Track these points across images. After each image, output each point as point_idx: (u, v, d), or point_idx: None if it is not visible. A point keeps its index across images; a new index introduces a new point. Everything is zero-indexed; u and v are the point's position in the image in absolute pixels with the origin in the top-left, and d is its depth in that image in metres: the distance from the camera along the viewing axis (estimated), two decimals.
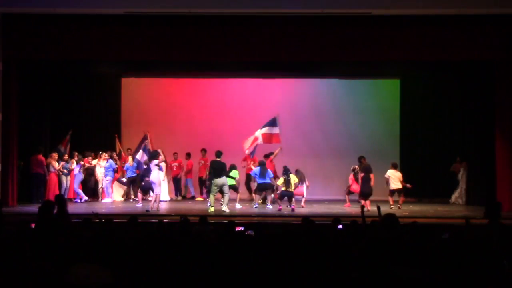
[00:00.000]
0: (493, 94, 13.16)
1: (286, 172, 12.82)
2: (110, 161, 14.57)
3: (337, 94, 16.59)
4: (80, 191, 14.43)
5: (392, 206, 13.08)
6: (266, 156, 14.11)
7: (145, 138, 15.00)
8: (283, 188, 12.74)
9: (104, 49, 12.81)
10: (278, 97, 16.57)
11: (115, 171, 14.66)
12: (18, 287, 3.93)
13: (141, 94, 16.72)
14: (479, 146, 14.07)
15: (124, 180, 15.00)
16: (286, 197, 12.86)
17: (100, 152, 14.83)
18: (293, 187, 12.72)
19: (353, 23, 12.60)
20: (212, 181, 12.40)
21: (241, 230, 7.03)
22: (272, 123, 14.26)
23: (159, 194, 12.68)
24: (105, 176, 14.56)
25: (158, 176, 12.56)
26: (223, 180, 12.40)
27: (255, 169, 13.10)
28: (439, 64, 14.38)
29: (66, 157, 14.47)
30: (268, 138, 14.24)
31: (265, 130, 14.24)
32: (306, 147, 15.56)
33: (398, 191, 13.40)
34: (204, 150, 15.38)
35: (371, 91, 16.67)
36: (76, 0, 12.39)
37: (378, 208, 7.09)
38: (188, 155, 15.65)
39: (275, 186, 13.11)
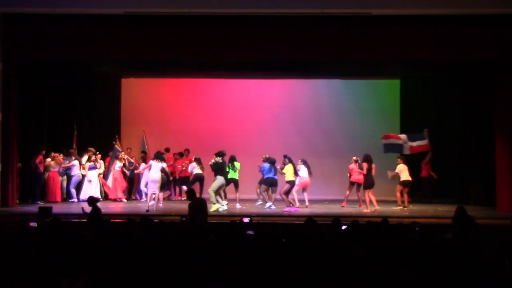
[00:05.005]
0: (493, 94, 13.16)
1: (291, 161, 12.88)
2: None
3: (337, 94, 16.58)
4: (73, 192, 14.45)
5: (401, 206, 13.07)
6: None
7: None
8: (292, 178, 12.76)
9: (104, 49, 12.81)
10: (278, 97, 16.57)
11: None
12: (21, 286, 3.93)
13: (141, 94, 16.72)
14: (479, 146, 14.07)
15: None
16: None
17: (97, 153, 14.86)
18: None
19: (353, 23, 12.60)
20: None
21: (250, 233, 7.04)
22: (422, 137, 14.21)
23: (158, 194, 12.70)
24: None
25: (158, 175, 12.56)
26: (218, 181, 12.49)
27: (265, 165, 13.10)
28: (439, 64, 14.38)
29: (61, 155, 14.43)
30: (417, 149, 14.24)
31: (415, 144, 14.14)
32: (306, 147, 15.54)
33: (407, 184, 13.35)
34: (187, 151, 15.27)
35: (371, 91, 16.66)
36: (76, 0, 12.40)
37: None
38: (181, 155, 15.47)
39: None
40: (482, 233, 6.85)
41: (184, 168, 15.17)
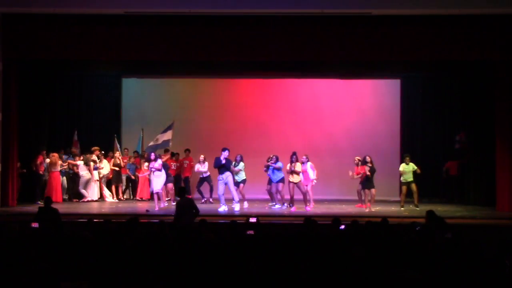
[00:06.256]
0: (493, 94, 13.16)
1: (297, 159, 12.88)
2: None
3: (337, 94, 16.59)
4: (84, 192, 14.40)
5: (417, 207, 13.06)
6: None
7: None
8: (301, 176, 12.79)
9: (104, 49, 12.81)
10: (278, 97, 16.57)
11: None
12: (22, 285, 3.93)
13: (141, 94, 16.72)
14: (479, 146, 14.06)
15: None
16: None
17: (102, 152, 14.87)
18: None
19: (353, 23, 12.59)
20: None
21: (251, 233, 7.05)
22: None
23: (160, 193, 12.71)
24: None
25: (162, 175, 12.60)
26: (231, 177, 12.62)
27: (279, 163, 13.00)
28: (439, 64, 14.37)
29: (62, 154, 14.44)
30: None
31: None
32: (306, 147, 15.51)
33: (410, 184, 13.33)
34: (188, 150, 15.23)
35: (371, 91, 16.66)
36: (76, 0, 12.40)
37: None
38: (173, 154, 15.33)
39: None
40: (455, 232, 6.84)
41: (173, 168, 15.10)
